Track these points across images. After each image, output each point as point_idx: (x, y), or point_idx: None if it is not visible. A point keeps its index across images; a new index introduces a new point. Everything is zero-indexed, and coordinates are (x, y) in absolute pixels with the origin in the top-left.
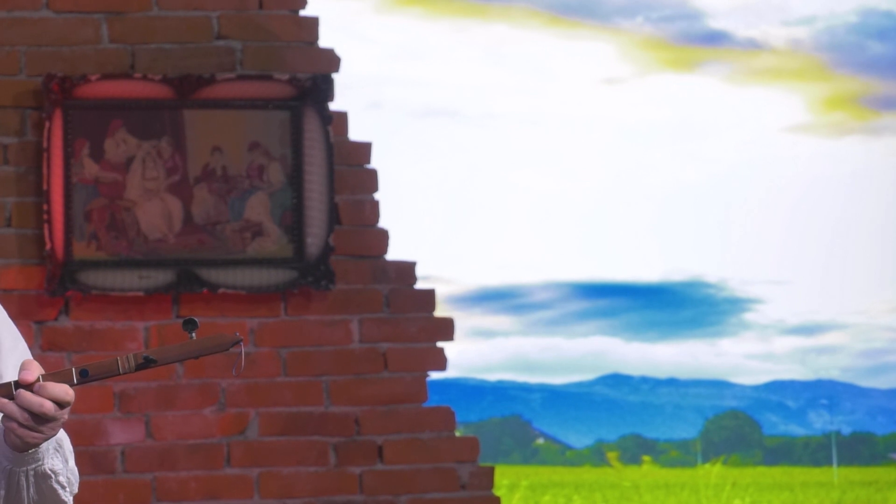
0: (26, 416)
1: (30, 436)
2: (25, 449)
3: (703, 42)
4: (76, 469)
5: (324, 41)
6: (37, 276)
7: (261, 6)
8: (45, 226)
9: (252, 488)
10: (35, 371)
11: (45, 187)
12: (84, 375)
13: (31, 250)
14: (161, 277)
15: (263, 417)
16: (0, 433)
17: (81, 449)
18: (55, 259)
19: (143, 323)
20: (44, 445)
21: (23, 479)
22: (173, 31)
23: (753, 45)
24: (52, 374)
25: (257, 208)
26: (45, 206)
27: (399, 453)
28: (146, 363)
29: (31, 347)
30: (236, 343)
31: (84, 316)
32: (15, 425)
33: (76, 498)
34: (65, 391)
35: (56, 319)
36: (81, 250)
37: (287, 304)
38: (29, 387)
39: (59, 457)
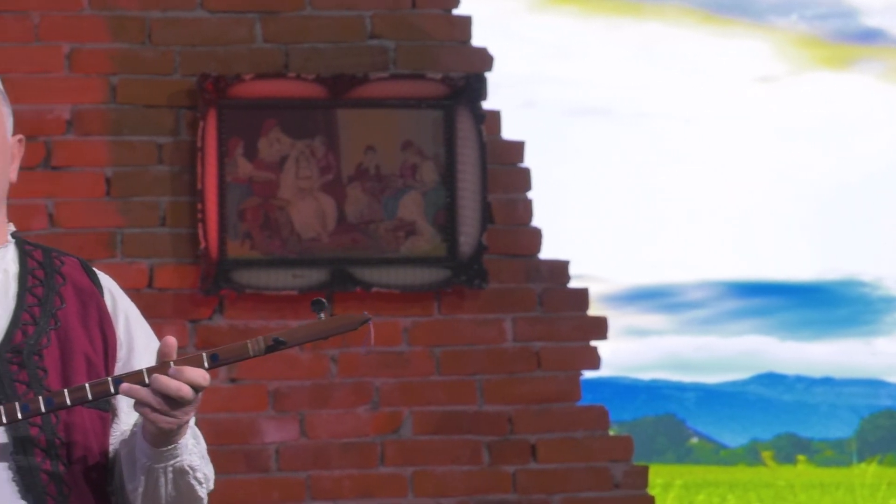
0: (159, 400)
1: (164, 420)
2: (162, 439)
3: (858, 40)
4: (212, 465)
5: (477, 40)
6: (191, 275)
7: (414, 5)
8: (200, 225)
9: (406, 487)
10: (172, 354)
11: (199, 186)
12: (215, 359)
13: (185, 249)
14: (315, 276)
15: (417, 416)
16: (138, 431)
17: (236, 447)
18: (209, 258)
19: (297, 322)
20: (182, 441)
21: (161, 475)
22: (327, 31)
23: None
24: (184, 359)
25: (411, 207)
26: (199, 206)
27: (552, 452)
28: (276, 345)
29: (185, 346)
30: (365, 322)
31: (238, 315)
32: (148, 410)
33: (233, 496)
34: (201, 375)
35: (210, 318)
36: (235, 249)
37: (440, 303)
38: (164, 371)
39: (197, 451)
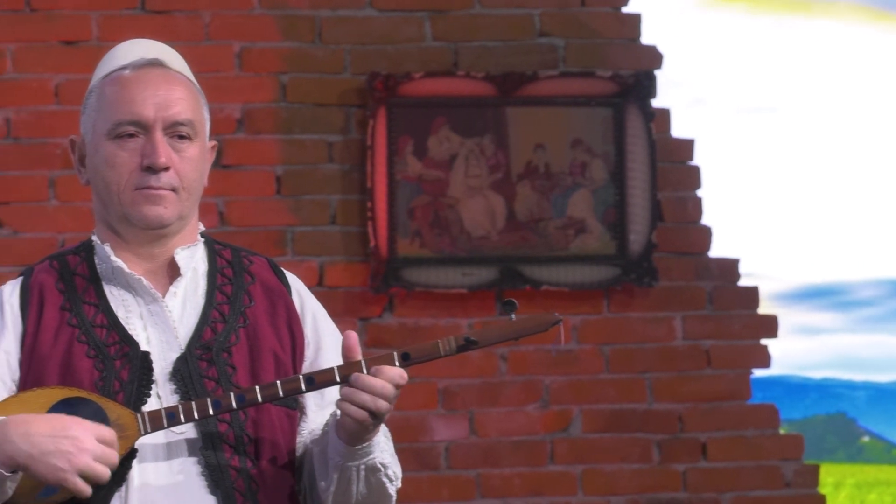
0: (367, 398)
1: (368, 420)
2: (357, 437)
3: None
4: (399, 464)
5: (646, 38)
6: (361, 274)
7: (583, 3)
8: (370, 223)
9: (575, 485)
10: (356, 347)
11: (369, 185)
12: (406, 358)
13: (355, 247)
14: (484, 274)
15: (586, 414)
16: (331, 429)
17: (406, 445)
18: (379, 256)
19: (467, 320)
20: (375, 439)
21: (353, 473)
22: (496, 29)
23: None
24: (375, 358)
25: (580, 205)
26: (369, 204)
27: (722, 451)
28: (467, 345)
29: None
30: (556, 323)
31: (408, 313)
32: (352, 409)
33: (403, 494)
34: (399, 374)
35: (380, 316)
36: (405, 247)
37: (610, 301)
38: (354, 370)
39: (388, 450)
